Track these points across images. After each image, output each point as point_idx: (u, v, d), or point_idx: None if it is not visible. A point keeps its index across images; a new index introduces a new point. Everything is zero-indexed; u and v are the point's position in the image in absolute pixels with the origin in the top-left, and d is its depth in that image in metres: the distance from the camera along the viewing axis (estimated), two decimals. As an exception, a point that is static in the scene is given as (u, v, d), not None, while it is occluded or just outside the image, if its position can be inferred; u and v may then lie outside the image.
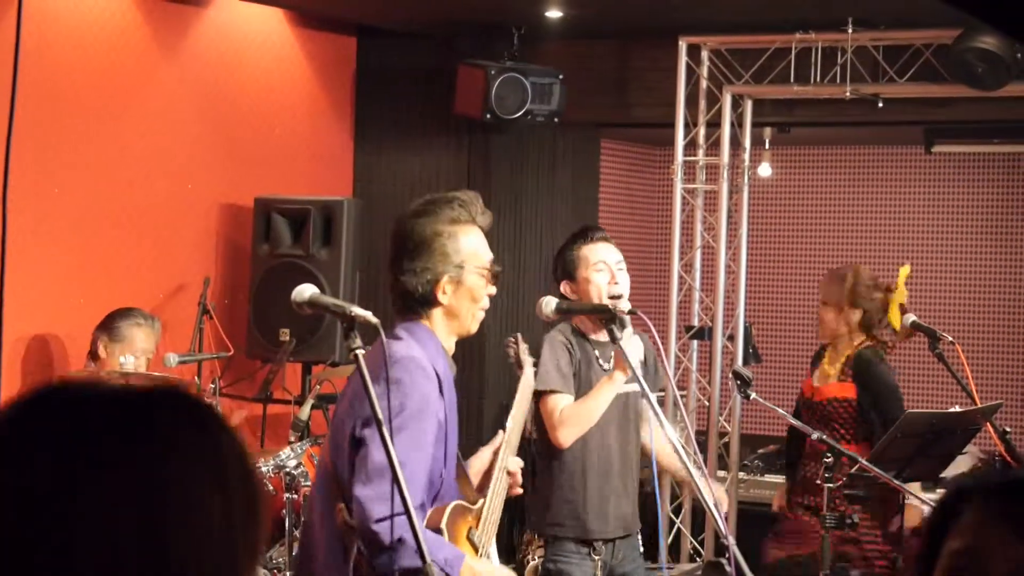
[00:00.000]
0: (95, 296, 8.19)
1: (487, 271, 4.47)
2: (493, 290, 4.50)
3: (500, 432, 4.83)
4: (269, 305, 8.75)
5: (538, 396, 5.75)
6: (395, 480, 3.76)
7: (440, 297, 4.39)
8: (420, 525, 3.92)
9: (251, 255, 9.12)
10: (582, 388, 5.95)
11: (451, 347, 4.48)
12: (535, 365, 5.59)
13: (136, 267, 8.62)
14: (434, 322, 4.42)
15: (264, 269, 8.98)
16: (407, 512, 3.73)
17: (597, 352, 5.94)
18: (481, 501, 4.56)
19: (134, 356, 7.36)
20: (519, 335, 5.00)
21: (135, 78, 8.60)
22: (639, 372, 5.38)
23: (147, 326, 7.65)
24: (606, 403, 5.81)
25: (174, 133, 8.86)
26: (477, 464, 4.77)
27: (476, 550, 4.45)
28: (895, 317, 7.22)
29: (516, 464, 4.74)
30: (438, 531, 4.28)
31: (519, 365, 5.03)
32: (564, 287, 6.02)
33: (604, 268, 6.00)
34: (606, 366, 5.94)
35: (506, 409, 5.09)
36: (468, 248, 4.42)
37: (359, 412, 4.16)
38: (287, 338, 8.48)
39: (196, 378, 8.35)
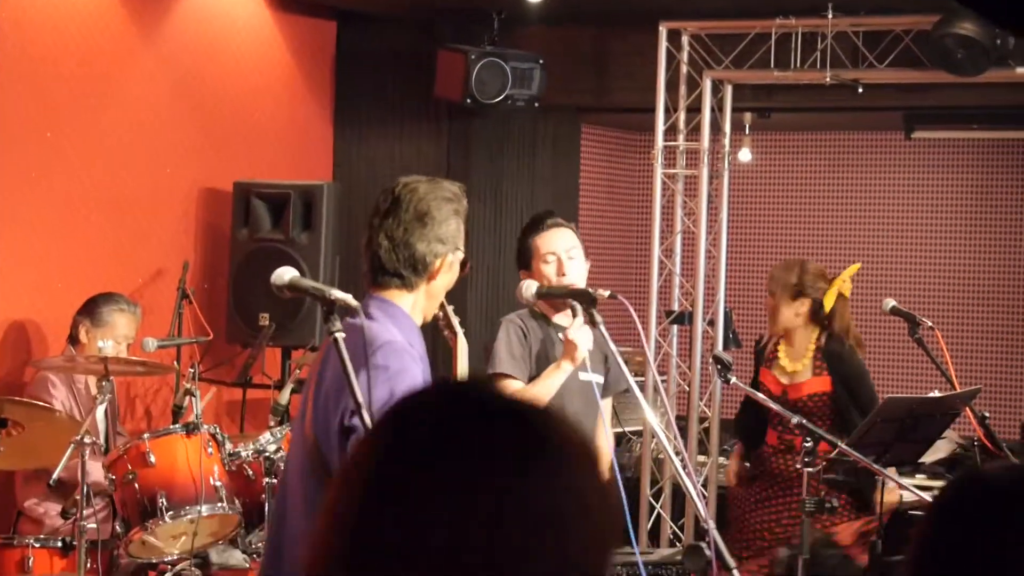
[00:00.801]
0: (73, 281, 8.17)
1: (465, 262, 4.47)
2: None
3: None
4: (248, 290, 8.74)
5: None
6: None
7: (434, 271, 4.35)
8: None
9: (230, 239, 9.10)
10: (542, 370, 5.98)
11: (419, 325, 4.45)
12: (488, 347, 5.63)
13: (115, 251, 8.60)
14: (414, 298, 4.37)
15: (243, 253, 8.96)
16: None
17: (560, 335, 5.91)
18: None
19: (114, 341, 7.34)
20: (444, 300, 4.94)
21: (113, 62, 8.57)
22: (588, 362, 5.42)
23: (129, 312, 7.63)
24: (554, 388, 5.82)
25: (153, 117, 8.84)
26: None
27: None
28: (830, 299, 7.23)
29: None
30: None
31: (451, 331, 5.00)
32: (523, 276, 6.05)
33: (553, 260, 6.03)
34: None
35: None
36: (462, 236, 4.43)
37: (346, 401, 4.13)
38: (267, 323, 8.47)
39: (175, 363, 8.33)
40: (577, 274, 6.01)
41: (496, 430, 1.59)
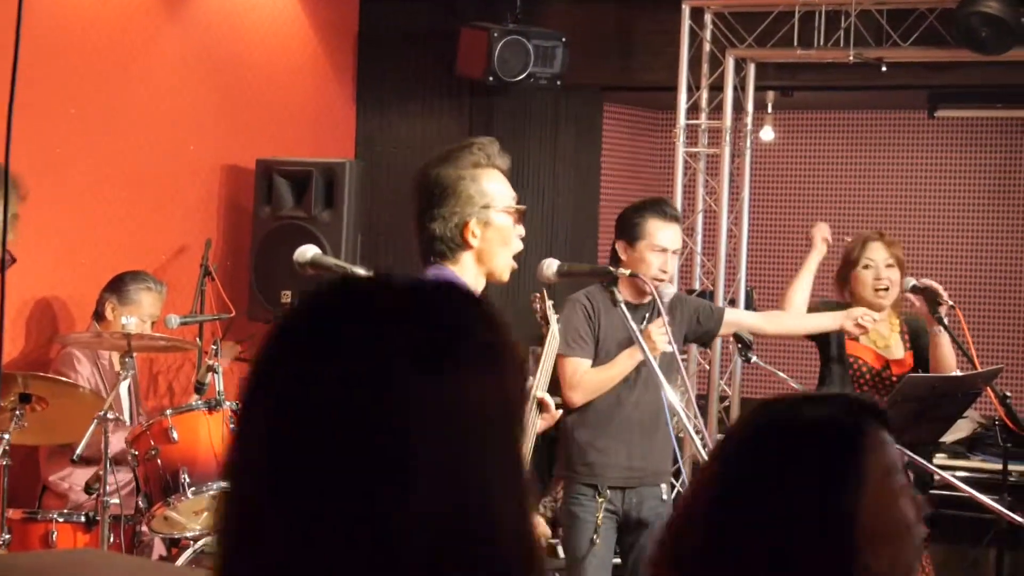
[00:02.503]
0: (97, 257, 8.20)
1: (513, 210, 4.51)
2: (522, 230, 4.55)
3: (530, 378, 4.87)
4: (270, 267, 8.75)
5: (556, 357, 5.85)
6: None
7: (471, 239, 4.41)
8: None
9: (253, 217, 9.12)
10: (607, 349, 6.16)
11: (479, 290, 4.51)
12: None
13: (138, 229, 8.62)
14: (463, 266, 4.44)
15: (266, 231, 8.98)
16: None
17: (632, 315, 5.88)
18: None
19: (139, 319, 7.36)
20: (544, 291, 5.04)
21: (137, 40, 8.58)
22: (670, 349, 5.53)
23: (156, 291, 7.66)
24: (622, 375, 6.11)
25: (176, 95, 8.85)
26: None
27: None
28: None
29: (544, 392, 4.79)
30: None
31: (545, 321, 5.06)
32: (619, 245, 6.24)
33: (663, 254, 6.24)
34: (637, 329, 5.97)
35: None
36: (492, 189, 4.47)
37: None
38: (288, 300, 8.48)
39: (198, 339, 8.36)
40: (674, 271, 6.35)
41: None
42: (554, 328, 5.05)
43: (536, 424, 4.76)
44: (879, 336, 7.18)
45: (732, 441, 2.14)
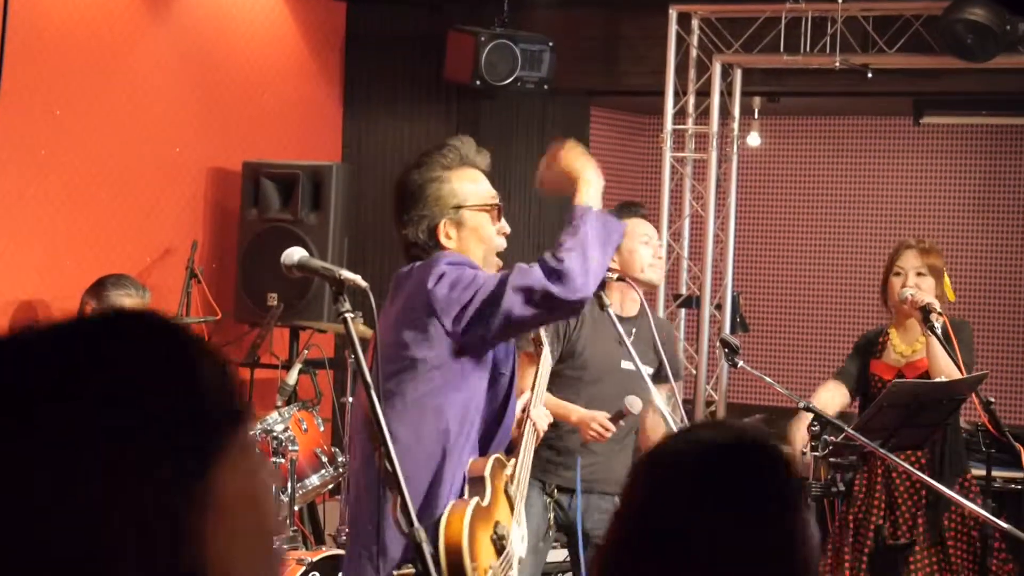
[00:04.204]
0: (82, 259, 8.19)
1: (489, 207, 4.50)
2: (506, 227, 4.55)
3: (526, 392, 4.88)
4: (257, 269, 8.75)
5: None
6: (378, 425, 3.75)
7: (445, 242, 4.41)
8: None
9: (239, 219, 9.11)
10: (588, 357, 6.22)
11: None
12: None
13: (124, 231, 8.61)
14: None
15: (252, 233, 8.97)
16: (387, 456, 3.72)
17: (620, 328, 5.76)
18: (513, 461, 4.59)
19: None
20: None
21: (123, 41, 8.58)
22: (633, 352, 5.39)
23: (137, 296, 7.62)
24: (564, 419, 5.99)
25: (163, 97, 8.85)
26: None
27: (512, 505, 4.51)
28: (948, 284, 7.17)
29: (540, 417, 4.79)
30: (481, 480, 4.32)
31: (537, 343, 5.07)
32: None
33: (649, 242, 6.22)
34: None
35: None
36: (463, 188, 4.46)
37: (414, 314, 4.26)
38: (275, 303, 8.48)
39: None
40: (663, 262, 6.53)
41: None
42: (546, 351, 5.06)
43: (532, 444, 4.76)
44: (908, 345, 7.16)
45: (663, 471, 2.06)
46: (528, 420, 4.71)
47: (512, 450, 4.68)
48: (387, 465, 3.73)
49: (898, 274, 7.06)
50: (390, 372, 4.23)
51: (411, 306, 4.29)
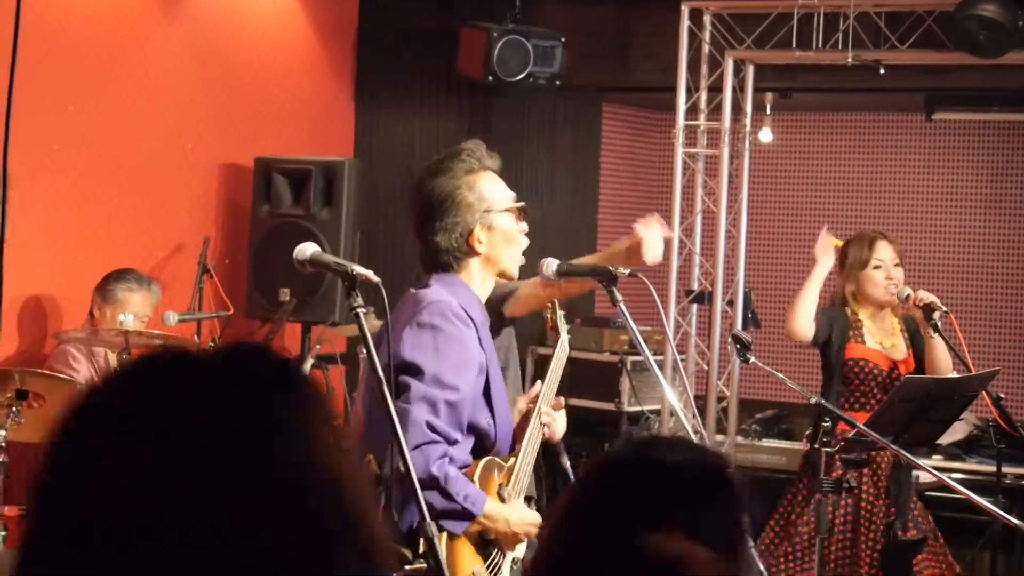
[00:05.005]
0: (93, 255, 8.19)
1: (514, 208, 4.57)
2: (525, 227, 4.61)
3: (538, 382, 4.87)
4: (269, 265, 8.75)
5: None
6: (392, 424, 3.76)
7: (476, 246, 4.48)
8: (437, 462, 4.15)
9: (251, 215, 9.12)
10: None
11: (486, 293, 4.58)
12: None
13: (135, 226, 8.62)
14: (470, 274, 4.51)
15: (264, 229, 8.98)
16: (401, 453, 3.74)
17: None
18: (513, 459, 4.58)
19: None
20: (556, 301, 5.05)
21: (135, 37, 8.59)
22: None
23: (141, 290, 7.63)
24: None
25: (174, 92, 8.85)
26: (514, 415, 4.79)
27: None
28: None
29: (550, 415, 4.78)
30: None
31: (555, 331, 5.06)
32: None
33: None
34: None
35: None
36: (490, 192, 4.53)
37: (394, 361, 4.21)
38: (287, 298, 8.48)
39: (196, 337, 8.36)
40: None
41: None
42: (564, 338, 5.05)
43: (538, 433, 4.74)
44: (884, 336, 7.20)
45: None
46: (536, 419, 4.70)
47: (516, 440, 4.69)
48: (400, 463, 3.75)
49: (878, 267, 7.13)
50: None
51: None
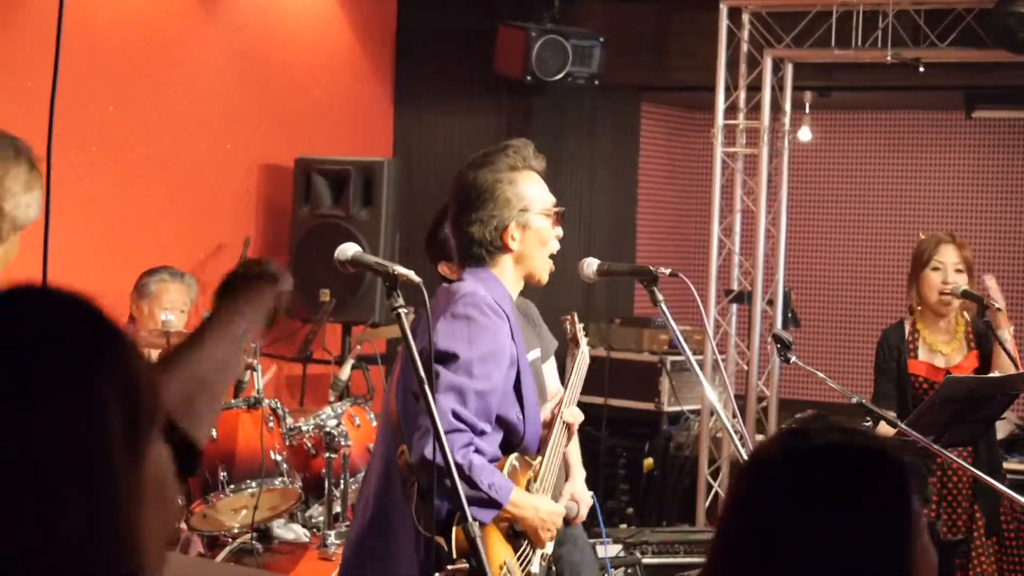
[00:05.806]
0: (135, 256, 8.22)
1: (551, 212, 4.55)
2: (560, 232, 4.59)
3: (560, 388, 4.89)
4: (309, 265, 8.76)
5: None
6: (430, 415, 3.77)
7: (509, 243, 4.47)
8: (464, 451, 4.16)
9: (291, 215, 9.15)
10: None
11: (516, 293, 4.57)
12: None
13: (176, 227, 8.66)
14: (502, 269, 4.50)
15: (304, 229, 9.01)
16: (437, 438, 3.75)
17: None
18: (539, 458, 4.60)
19: (167, 312, 7.34)
20: (575, 313, 5.07)
21: (176, 38, 8.62)
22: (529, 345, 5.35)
23: (175, 281, 7.62)
24: None
25: (215, 93, 8.89)
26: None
27: None
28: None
29: (574, 416, 4.78)
30: None
31: (575, 342, 5.07)
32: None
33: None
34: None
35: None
36: (529, 192, 4.51)
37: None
38: (327, 298, 8.50)
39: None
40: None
41: None
42: (584, 350, 5.06)
43: (563, 434, 4.75)
44: (942, 342, 7.07)
45: (771, 469, 2.04)
46: (560, 419, 4.71)
47: (543, 441, 4.70)
48: (440, 456, 3.76)
49: (937, 269, 6.96)
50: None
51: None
